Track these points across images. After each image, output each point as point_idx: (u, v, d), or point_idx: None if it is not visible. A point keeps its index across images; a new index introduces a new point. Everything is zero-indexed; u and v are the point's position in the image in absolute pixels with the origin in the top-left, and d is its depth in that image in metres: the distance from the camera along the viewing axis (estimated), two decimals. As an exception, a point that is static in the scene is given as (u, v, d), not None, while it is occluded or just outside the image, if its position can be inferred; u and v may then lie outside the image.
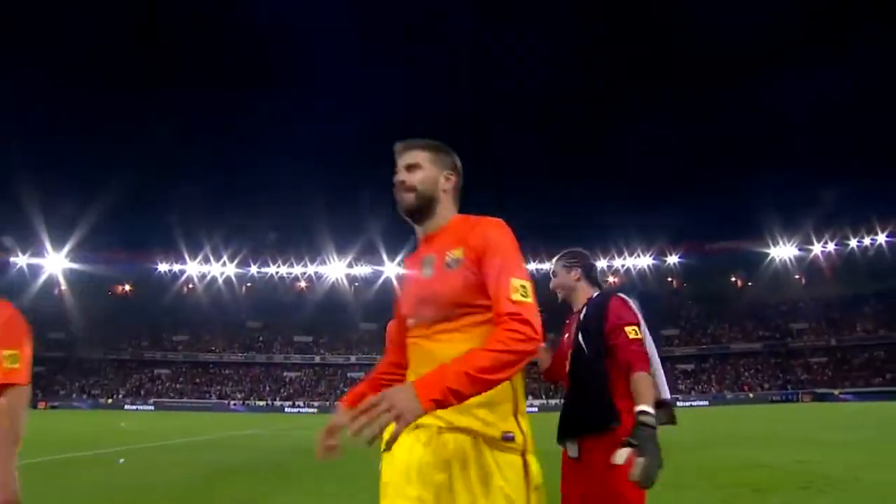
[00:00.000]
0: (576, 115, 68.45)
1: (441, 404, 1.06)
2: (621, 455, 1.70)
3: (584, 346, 2.02)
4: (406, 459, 1.22)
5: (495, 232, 1.32)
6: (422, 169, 1.41)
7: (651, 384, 1.87)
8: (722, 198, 60.56)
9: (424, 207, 1.41)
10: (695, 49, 61.24)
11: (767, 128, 66.04)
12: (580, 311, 2.15)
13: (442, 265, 1.32)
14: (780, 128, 64.10)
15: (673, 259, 54.74)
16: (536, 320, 1.18)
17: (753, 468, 6.90)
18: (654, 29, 63.07)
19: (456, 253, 1.31)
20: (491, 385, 1.12)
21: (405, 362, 1.44)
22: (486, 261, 1.27)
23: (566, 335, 2.22)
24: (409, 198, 1.40)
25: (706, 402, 41.66)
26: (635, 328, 1.96)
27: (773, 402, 39.91)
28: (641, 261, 54.41)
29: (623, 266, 54.77)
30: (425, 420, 1.20)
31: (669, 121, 68.16)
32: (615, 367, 1.96)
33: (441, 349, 1.26)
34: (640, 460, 1.64)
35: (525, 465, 1.25)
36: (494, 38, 71.53)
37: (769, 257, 52.86)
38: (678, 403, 40.95)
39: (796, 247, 51.58)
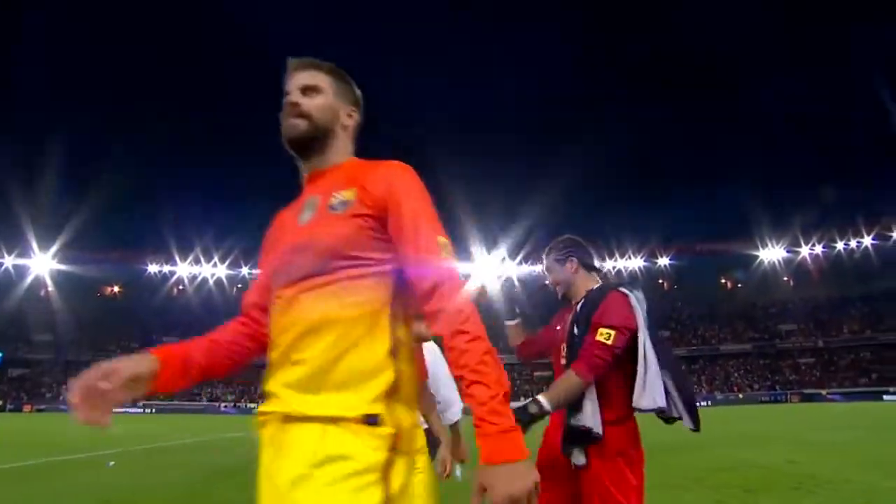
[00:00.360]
0: (567, 114, 68.89)
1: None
2: None
3: (580, 343, 1.88)
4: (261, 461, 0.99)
5: (404, 177, 1.06)
6: (322, 94, 1.16)
7: (569, 390, 1.74)
8: (712, 200, 61.33)
9: (317, 140, 1.15)
10: (686, 50, 61.92)
11: (755, 130, 66.93)
12: (578, 303, 2.00)
13: (325, 207, 1.07)
14: (769, 130, 65.02)
15: (664, 261, 55.24)
16: (463, 285, 1.00)
17: (745, 469, 7.00)
18: (647, 30, 63.65)
19: (346, 194, 1.06)
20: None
21: (259, 334, 1.19)
22: (394, 212, 1.03)
23: (558, 326, 2.10)
24: (301, 125, 1.13)
25: (696, 403, 42.00)
26: (611, 332, 1.79)
27: (762, 402, 40.32)
28: (632, 262, 54.82)
29: (614, 268, 55.10)
30: (269, 406, 1.00)
31: (658, 123, 68.82)
32: (608, 371, 1.83)
33: (304, 311, 1.01)
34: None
35: (388, 469, 0.96)
36: (489, 39, 71.72)
37: (758, 259, 53.52)
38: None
39: (784, 249, 52.30)
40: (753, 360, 48.51)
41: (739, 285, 56.82)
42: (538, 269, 51.51)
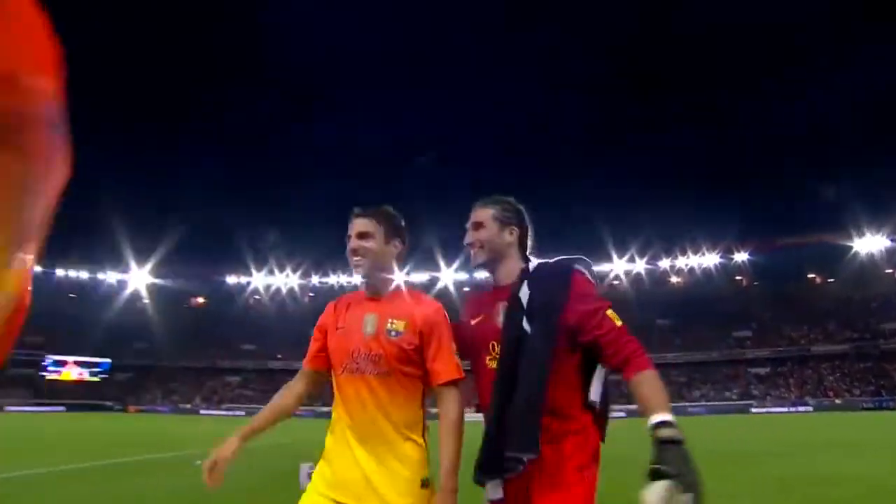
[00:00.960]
0: (634, 106, 66.32)
1: None
2: (655, 493, 1.13)
3: (532, 337, 1.48)
4: None
5: None
6: None
7: (660, 388, 1.35)
8: (794, 188, 56.27)
9: None
10: (767, 31, 57.77)
11: (847, 108, 60.81)
12: (512, 286, 1.56)
13: None
14: (862, 106, 58.83)
15: (742, 256, 51.56)
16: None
17: (842, 481, 6.37)
18: (718, 15, 60.06)
19: None
20: None
21: None
22: None
23: (477, 318, 1.63)
24: None
25: (784, 409, 38.83)
26: (614, 313, 1.47)
27: (864, 409, 36.54)
28: (707, 259, 51.66)
29: (687, 265, 52.20)
30: None
31: (737, 107, 64.56)
32: (564, 369, 1.49)
33: None
34: (685, 499, 1.13)
35: None
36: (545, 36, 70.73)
37: (853, 251, 48.58)
38: (752, 410, 38.42)
39: (887, 237, 47.07)
40: (852, 362, 44.00)
41: (831, 280, 51.84)
42: (603, 268, 49.71)
